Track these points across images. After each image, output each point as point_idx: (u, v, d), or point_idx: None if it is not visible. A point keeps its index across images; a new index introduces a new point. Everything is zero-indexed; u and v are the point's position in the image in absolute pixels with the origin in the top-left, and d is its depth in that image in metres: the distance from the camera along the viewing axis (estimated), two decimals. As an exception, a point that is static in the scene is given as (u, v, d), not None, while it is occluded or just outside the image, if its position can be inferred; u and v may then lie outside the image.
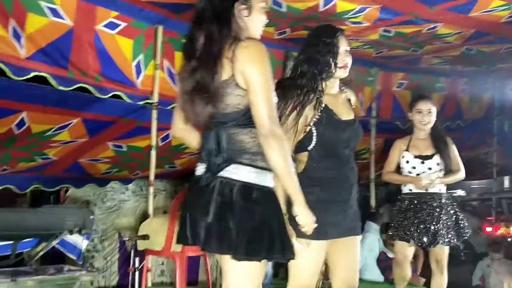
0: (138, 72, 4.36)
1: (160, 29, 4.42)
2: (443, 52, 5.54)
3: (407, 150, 4.21)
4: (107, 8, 4.02)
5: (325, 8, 4.08)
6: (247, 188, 2.00)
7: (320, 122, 2.68)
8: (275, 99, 2.04)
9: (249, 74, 1.97)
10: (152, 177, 4.62)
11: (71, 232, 4.26)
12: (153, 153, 4.57)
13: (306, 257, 2.53)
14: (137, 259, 4.22)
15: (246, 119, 2.03)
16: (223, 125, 2.06)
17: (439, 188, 4.16)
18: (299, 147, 2.69)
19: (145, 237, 4.30)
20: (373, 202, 6.68)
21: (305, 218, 2.20)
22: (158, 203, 5.66)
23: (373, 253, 6.07)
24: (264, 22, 2.18)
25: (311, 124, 2.68)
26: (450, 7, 4.14)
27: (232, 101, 2.02)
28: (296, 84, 2.69)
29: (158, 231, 4.30)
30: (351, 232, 2.75)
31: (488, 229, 10.22)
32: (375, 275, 5.93)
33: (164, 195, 5.98)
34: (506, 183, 15.61)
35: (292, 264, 2.58)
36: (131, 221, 5.77)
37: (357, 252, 2.80)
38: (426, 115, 4.16)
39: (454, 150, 4.28)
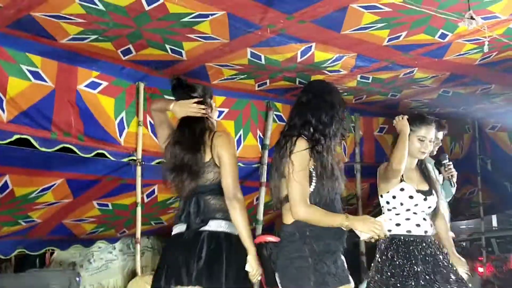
0: (121, 129, 4.38)
1: (142, 86, 4.46)
2: (421, 96, 5.66)
3: (402, 179, 3.36)
4: (88, 68, 4.07)
5: (303, 58, 4.16)
6: (228, 235, 2.71)
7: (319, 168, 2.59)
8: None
9: (222, 156, 2.74)
10: (138, 234, 4.55)
11: (56, 296, 4.16)
12: (139, 209, 4.52)
13: None
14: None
15: (219, 188, 2.74)
16: (202, 194, 2.74)
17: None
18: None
19: (133, 296, 4.21)
20: (363, 248, 6.63)
21: (255, 267, 2.68)
22: (146, 260, 5.58)
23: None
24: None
25: (311, 169, 2.56)
26: (424, 52, 4.25)
27: (211, 176, 2.76)
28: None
29: (146, 290, 4.21)
30: (345, 280, 2.64)
31: (480, 269, 10.17)
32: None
33: (152, 252, 5.90)
34: (494, 222, 15.64)
35: None
36: (119, 281, 5.65)
37: None
38: (429, 145, 3.41)
39: (439, 188, 3.61)
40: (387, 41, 3.95)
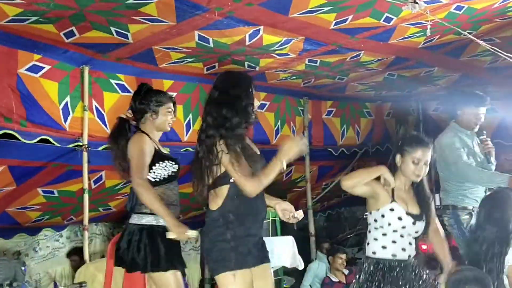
0: (66, 114, 4.27)
1: (86, 69, 4.36)
2: (367, 79, 5.76)
3: (393, 199, 3.12)
4: (29, 51, 3.94)
5: (252, 41, 4.16)
6: (141, 227, 3.17)
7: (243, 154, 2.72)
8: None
9: (128, 153, 3.17)
10: (86, 221, 4.48)
11: (1, 286, 4.04)
12: (86, 196, 4.44)
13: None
14: (74, 308, 4.05)
15: None
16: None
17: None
18: (221, 181, 2.68)
19: (81, 284, 4.14)
20: (312, 229, 6.75)
21: (178, 228, 2.99)
22: (95, 247, 5.49)
23: (318, 279, 6.13)
24: (167, 120, 3.34)
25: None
26: (370, 35, 4.32)
27: None
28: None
29: (96, 277, 4.15)
30: (265, 259, 2.84)
31: (424, 246, 10.53)
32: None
33: (101, 239, 5.81)
34: (438, 201, 16.21)
35: None
36: (67, 269, 5.55)
37: (271, 277, 2.90)
38: (424, 167, 3.14)
39: (433, 210, 3.34)
40: (334, 25, 3.99)
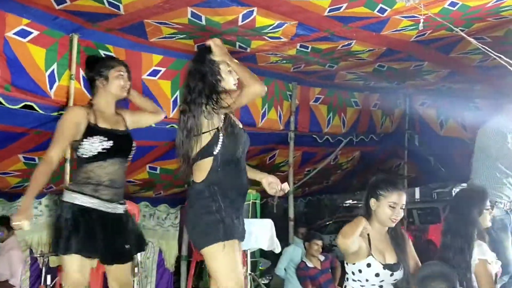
0: (52, 82, 4.21)
1: (76, 38, 4.29)
2: (357, 68, 5.77)
3: (370, 253, 3.02)
4: (18, 15, 3.87)
5: (244, 22, 4.13)
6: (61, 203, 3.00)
7: (224, 126, 2.75)
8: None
9: None
10: (66, 190, 4.45)
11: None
12: (67, 165, 4.41)
13: (227, 258, 2.62)
14: (49, 276, 4.05)
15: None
16: None
17: None
18: (204, 153, 2.70)
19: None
20: (291, 214, 6.80)
21: (18, 214, 2.71)
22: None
23: (293, 264, 6.19)
24: (120, 85, 3.12)
25: (219, 127, 2.73)
26: (363, 25, 4.32)
27: None
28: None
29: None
30: (243, 237, 2.88)
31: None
32: (296, 286, 6.03)
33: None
34: (417, 194, 16.38)
35: (217, 268, 2.65)
36: (44, 237, 5.53)
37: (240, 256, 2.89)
38: (400, 212, 3.07)
39: (412, 250, 3.28)
40: (328, 11, 3.98)
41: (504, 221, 3.95)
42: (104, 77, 3.03)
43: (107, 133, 2.95)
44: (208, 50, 2.85)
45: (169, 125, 5.03)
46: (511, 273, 3.80)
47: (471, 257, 3.14)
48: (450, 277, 2.92)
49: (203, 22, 4.13)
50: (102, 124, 2.97)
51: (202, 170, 2.70)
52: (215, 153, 2.69)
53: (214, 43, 2.84)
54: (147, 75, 4.89)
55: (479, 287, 3.18)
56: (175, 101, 5.13)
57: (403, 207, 3.06)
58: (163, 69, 4.98)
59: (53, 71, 4.20)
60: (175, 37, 4.51)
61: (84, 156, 2.92)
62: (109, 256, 2.93)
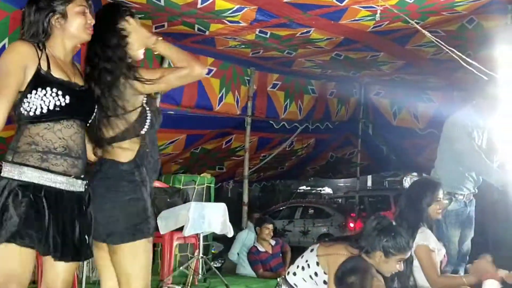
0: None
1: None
2: (315, 56, 5.82)
3: None
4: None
5: (204, 5, 4.10)
6: None
7: (148, 102, 2.42)
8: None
9: None
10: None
11: None
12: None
13: (147, 256, 2.33)
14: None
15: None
16: None
17: None
18: (130, 132, 2.35)
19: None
20: (245, 199, 6.84)
21: None
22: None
23: (246, 248, 6.24)
24: (84, 24, 2.30)
25: (144, 103, 2.39)
26: (322, 13, 4.35)
27: None
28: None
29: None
30: None
31: (351, 225, 10.94)
32: (248, 270, 6.09)
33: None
34: (369, 182, 16.77)
35: (132, 268, 2.30)
36: None
37: None
38: (402, 264, 3.00)
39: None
40: (288, -2, 3.99)
41: (459, 217, 3.98)
42: (61, 14, 2.27)
43: (63, 86, 2.18)
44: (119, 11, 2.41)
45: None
46: (454, 265, 3.91)
47: (412, 242, 3.25)
48: (362, 269, 2.93)
49: (162, 3, 4.07)
50: (56, 73, 2.20)
51: (127, 149, 2.33)
52: (142, 132, 2.36)
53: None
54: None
55: (422, 271, 3.30)
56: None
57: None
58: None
59: (4, 45, 4.07)
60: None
61: (29, 113, 2.12)
62: (59, 248, 2.16)
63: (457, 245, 3.98)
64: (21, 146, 2.15)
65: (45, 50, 2.22)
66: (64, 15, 2.26)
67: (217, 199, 6.20)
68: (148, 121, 2.38)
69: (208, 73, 5.80)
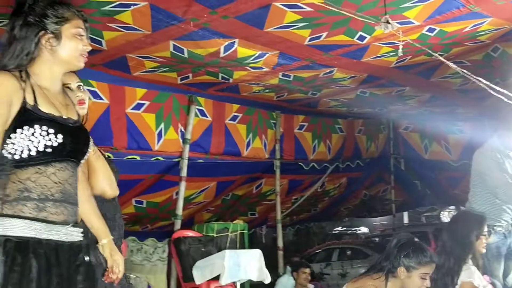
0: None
1: (58, 74, 4.29)
2: (340, 95, 5.82)
3: None
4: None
5: (226, 53, 4.17)
6: None
7: None
8: None
9: None
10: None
11: None
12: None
13: None
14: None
15: None
16: None
17: None
18: None
19: None
20: (280, 243, 6.75)
21: None
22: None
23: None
24: (81, 48, 1.97)
25: None
26: (344, 52, 4.37)
27: None
28: None
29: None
30: None
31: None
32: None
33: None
34: (406, 219, 16.42)
35: None
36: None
37: None
38: (429, 280, 2.97)
39: None
40: (309, 41, 4.03)
41: (500, 249, 3.88)
42: (54, 35, 1.93)
43: (54, 123, 1.86)
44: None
45: (154, 158, 5.02)
46: None
47: (458, 279, 3.14)
48: None
49: (186, 55, 4.15)
50: (45, 107, 1.87)
51: None
52: None
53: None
54: (131, 109, 4.89)
55: None
56: (159, 134, 5.13)
57: (430, 276, 2.96)
58: (147, 103, 4.99)
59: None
60: (158, 70, 4.53)
61: (13, 156, 1.80)
62: None
63: (501, 278, 3.84)
64: (11, 194, 1.80)
65: (29, 79, 1.88)
66: (57, 36, 1.92)
67: (251, 246, 6.14)
68: None
69: (234, 120, 5.86)
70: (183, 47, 4.02)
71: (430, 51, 3.93)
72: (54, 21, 1.93)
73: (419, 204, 10.59)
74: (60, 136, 1.85)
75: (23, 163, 1.81)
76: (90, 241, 2.07)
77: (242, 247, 5.77)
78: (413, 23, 3.75)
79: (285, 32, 3.85)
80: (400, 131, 8.11)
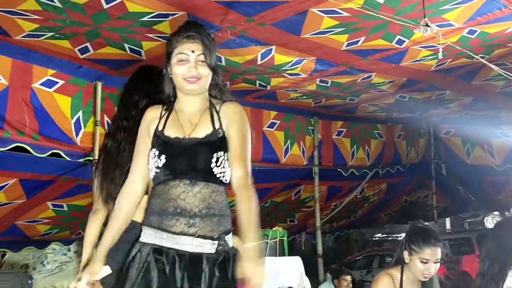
0: (78, 129, 4.29)
1: (99, 85, 4.39)
2: (378, 100, 5.76)
3: None
4: (44, 66, 3.98)
5: (263, 61, 4.18)
6: None
7: None
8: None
9: None
10: (94, 236, 4.46)
11: (7, 300, 4.00)
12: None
13: None
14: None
15: None
16: None
17: None
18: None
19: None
20: (320, 250, 6.70)
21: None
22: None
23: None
24: (183, 73, 2.04)
25: None
26: (382, 57, 4.33)
27: None
28: None
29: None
30: None
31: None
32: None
33: (108, 255, 5.79)
34: (448, 225, 16.05)
35: None
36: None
37: None
38: (433, 266, 2.92)
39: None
40: (346, 46, 4.01)
41: None
42: (168, 63, 2.15)
43: (163, 145, 2.08)
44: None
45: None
46: None
47: (503, 285, 3.06)
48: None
49: (223, 63, 4.19)
50: (169, 131, 2.09)
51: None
52: None
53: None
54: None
55: None
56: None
57: (438, 261, 2.90)
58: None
59: (78, 118, 4.29)
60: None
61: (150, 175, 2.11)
62: None
63: None
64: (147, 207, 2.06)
65: (172, 106, 2.10)
66: (170, 64, 2.09)
67: (290, 253, 6.12)
68: None
69: (272, 127, 5.86)
70: (220, 56, 4.05)
71: (471, 54, 3.86)
72: (168, 50, 2.12)
73: (462, 209, 10.34)
74: (163, 157, 2.01)
75: (153, 182, 2.07)
76: None
77: (282, 254, 5.76)
78: (453, 25, 3.68)
79: (322, 38, 3.84)
80: (441, 135, 7.96)
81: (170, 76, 2.08)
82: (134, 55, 3.93)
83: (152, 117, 2.10)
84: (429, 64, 4.52)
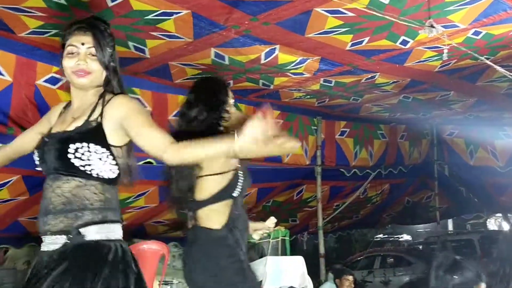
0: (81, 126, 4.29)
1: (103, 82, 4.38)
2: (382, 101, 5.75)
3: None
4: (48, 63, 3.98)
5: (267, 60, 4.18)
6: None
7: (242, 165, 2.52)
8: None
9: None
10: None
11: (9, 296, 4.02)
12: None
13: None
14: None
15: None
16: None
17: None
18: (222, 195, 2.43)
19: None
20: (322, 250, 6.70)
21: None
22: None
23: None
24: (71, 66, 1.98)
25: (238, 167, 2.47)
26: (386, 57, 4.32)
27: None
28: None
29: None
30: None
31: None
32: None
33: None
34: (450, 226, 16.03)
35: None
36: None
37: None
38: None
39: None
40: (350, 46, 4.00)
41: None
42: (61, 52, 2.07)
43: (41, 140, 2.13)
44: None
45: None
46: None
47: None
48: None
49: (227, 62, 4.18)
50: (54, 128, 2.11)
51: (220, 214, 2.40)
52: (235, 195, 2.45)
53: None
54: (174, 116, 4.95)
55: None
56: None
57: None
58: (188, 110, 5.04)
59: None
60: (199, 77, 4.58)
61: None
62: None
63: None
64: None
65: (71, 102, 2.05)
66: (61, 55, 2.01)
67: (292, 252, 6.12)
68: (240, 183, 2.44)
69: (275, 126, 5.86)
70: (224, 54, 4.05)
71: (476, 55, 3.85)
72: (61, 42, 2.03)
73: (465, 211, 10.32)
74: (35, 152, 2.05)
75: None
76: None
77: (284, 253, 5.76)
78: (458, 26, 3.67)
79: (327, 38, 3.83)
80: (445, 136, 7.94)
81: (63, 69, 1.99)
82: (138, 53, 3.93)
83: (51, 111, 2.14)
84: (434, 65, 4.51)
